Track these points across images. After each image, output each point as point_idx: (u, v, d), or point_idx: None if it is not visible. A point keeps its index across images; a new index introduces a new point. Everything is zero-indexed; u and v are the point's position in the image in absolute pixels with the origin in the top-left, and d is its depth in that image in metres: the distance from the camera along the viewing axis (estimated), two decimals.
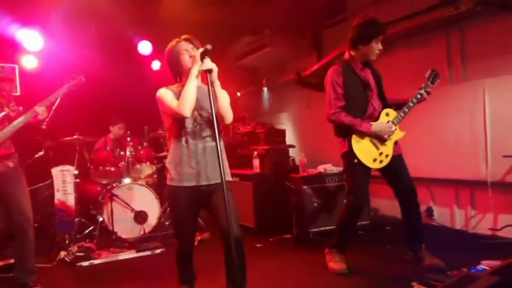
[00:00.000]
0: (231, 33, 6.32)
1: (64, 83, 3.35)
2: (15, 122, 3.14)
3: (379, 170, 3.36)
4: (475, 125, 4.17)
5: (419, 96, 3.25)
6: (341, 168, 4.72)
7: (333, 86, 3.30)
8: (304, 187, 4.55)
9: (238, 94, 6.90)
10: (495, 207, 4.10)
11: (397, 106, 3.34)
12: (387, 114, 3.30)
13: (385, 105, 3.38)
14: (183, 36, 2.62)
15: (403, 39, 4.84)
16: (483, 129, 4.09)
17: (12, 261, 3.60)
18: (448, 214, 4.56)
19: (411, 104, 3.26)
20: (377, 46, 3.24)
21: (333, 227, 4.49)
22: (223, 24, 5.57)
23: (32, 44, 5.24)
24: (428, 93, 3.27)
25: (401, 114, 3.27)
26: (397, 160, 3.33)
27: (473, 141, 4.18)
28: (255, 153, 5.31)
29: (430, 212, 4.66)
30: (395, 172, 3.35)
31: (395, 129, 3.27)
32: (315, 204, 4.53)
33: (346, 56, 3.39)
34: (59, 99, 3.35)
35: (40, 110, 3.17)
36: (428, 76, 3.31)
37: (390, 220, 4.86)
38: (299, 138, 6.71)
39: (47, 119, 3.32)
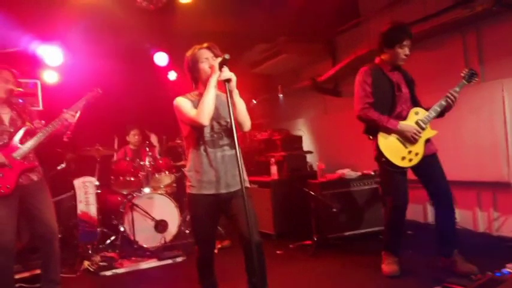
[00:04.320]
0: (246, 42, 6.37)
1: (82, 96, 3.42)
2: (40, 133, 3.22)
3: (413, 170, 3.34)
4: (494, 126, 4.10)
5: (450, 95, 3.21)
6: (359, 173, 4.75)
7: (362, 85, 3.35)
8: (323, 193, 4.54)
9: (254, 101, 6.93)
10: None
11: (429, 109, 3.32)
12: (416, 113, 3.29)
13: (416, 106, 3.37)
14: (205, 44, 2.65)
15: (418, 41, 4.79)
16: (503, 129, 4.02)
17: (38, 271, 3.68)
18: (471, 217, 4.48)
19: (443, 103, 3.23)
20: (403, 51, 3.27)
21: (353, 232, 4.53)
22: (237, 33, 5.62)
23: (53, 59, 5.37)
24: (451, 97, 3.21)
25: (432, 112, 3.26)
26: (430, 160, 3.31)
27: (494, 142, 4.10)
28: (273, 159, 5.32)
29: None
30: (429, 173, 3.33)
31: (426, 127, 3.26)
32: (334, 210, 4.51)
33: (377, 60, 3.44)
34: (79, 113, 3.43)
35: (68, 115, 3.25)
36: (464, 75, 3.26)
37: (411, 224, 4.79)
38: (316, 144, 6.70)
39: (69, 132, 3.40)
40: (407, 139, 3.23)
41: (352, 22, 5.77)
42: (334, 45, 6.30)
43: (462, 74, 3.27)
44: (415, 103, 3.39)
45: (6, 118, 3.28)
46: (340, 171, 4.81)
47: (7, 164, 3.13)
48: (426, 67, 4.69)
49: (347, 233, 4.51)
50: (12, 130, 3.25)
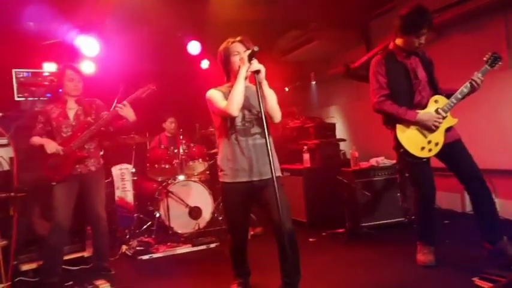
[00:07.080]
0: (277, 29, 6.32)
1: (134, 91, 3.58)
2: (93, 126, 3.46)
3: (439, 159, 3.24)
4: None
5: (473, 82, 3.06)
6: (394, 161, 4.66)
7: (375, 75, 3.26)
8: (356, 181, 4.49)
9: (286, 89, 6.90)
10: None
11: (449, 96, 3.17)
12: (436, 101, 3.17)
13: (436, 93, 3.23)
14: (238, 38, 2.70)
15: (457, 24, 4.63)
16: None
17: (80, 254, 3.92)
18: None
19: (465, 90, 3.08)
20: (418, 40, 3.11)
21: (387, 221, 4.47)
22: (269, 21, 5.57)
23: (90, 49, 5.51)
24: (479, 81, 3.05)
25: (453, 100, 3.11)
26: (454, 147, 3.19)
27: None
28: (305, 147, 5.30)
29: None
30: (454, 160, 3.21)
31: (447, 116, 3.13)
32: (368, 198, 4.46)
33: (391, 45, 3.32)
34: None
35: (119, 108, 3.42)
36: (487, 59, 3.09)
37: (448, 213, 4.69)
38: (349, 132, 6.62)
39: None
40: (428, 128, 3.13)
41: (386, 7, 5.61)
42: (367, 30, 6.15)
43: (485, 59, 3.10)
44: (434, 87, 3.25)
45: (71, 113, 3.57)
46: (373, 160, 4.74)
47: (61, 152, 3.40)
48: (465, 52, 4.52)
49: (380, 222, 4.45)
50: (74, 124, 3.54)
